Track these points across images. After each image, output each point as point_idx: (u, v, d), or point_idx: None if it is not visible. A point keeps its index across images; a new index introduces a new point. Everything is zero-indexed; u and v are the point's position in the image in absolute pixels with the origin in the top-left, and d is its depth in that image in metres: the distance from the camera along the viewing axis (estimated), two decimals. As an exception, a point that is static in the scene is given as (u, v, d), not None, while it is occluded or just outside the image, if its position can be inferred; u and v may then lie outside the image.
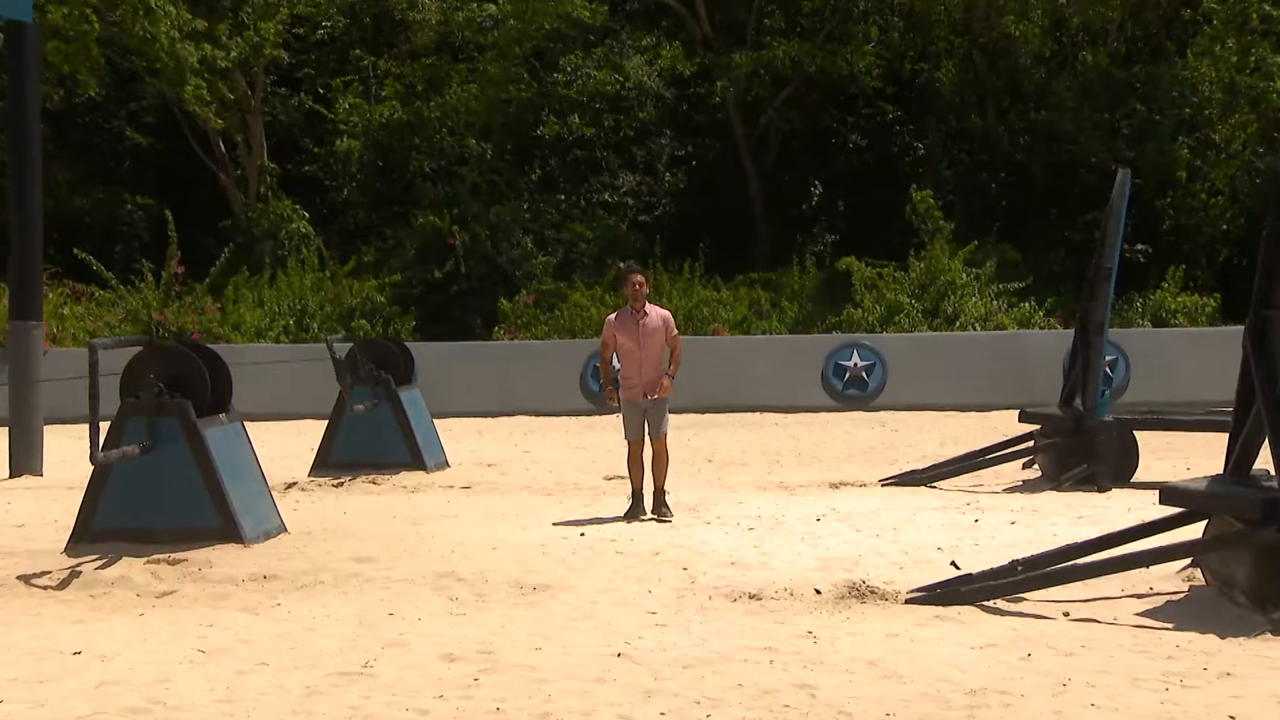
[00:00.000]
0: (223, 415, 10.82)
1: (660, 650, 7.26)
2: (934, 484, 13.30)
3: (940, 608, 8.05)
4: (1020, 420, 13.74)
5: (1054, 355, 21.42)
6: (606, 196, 34.74)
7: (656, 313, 11.47)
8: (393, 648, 7.41)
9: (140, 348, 10.81)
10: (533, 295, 27.36)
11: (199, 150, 32.47)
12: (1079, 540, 8.75)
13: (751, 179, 32.15)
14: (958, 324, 23.54)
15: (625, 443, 11.75)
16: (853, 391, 21.50)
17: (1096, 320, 12.93)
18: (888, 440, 17.66)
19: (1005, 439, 14.08)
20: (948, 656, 7.02)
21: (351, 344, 15.34)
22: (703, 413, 21.36)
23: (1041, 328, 23.82)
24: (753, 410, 21.22)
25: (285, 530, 10.92)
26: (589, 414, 21.70)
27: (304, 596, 8.79)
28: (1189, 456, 14.58)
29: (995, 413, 20.55)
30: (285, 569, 9.52)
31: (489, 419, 21.13)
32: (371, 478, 14.43)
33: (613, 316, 11.55)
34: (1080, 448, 12.73)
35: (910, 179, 30.63)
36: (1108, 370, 21.10)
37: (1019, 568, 8.25)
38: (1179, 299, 24.43)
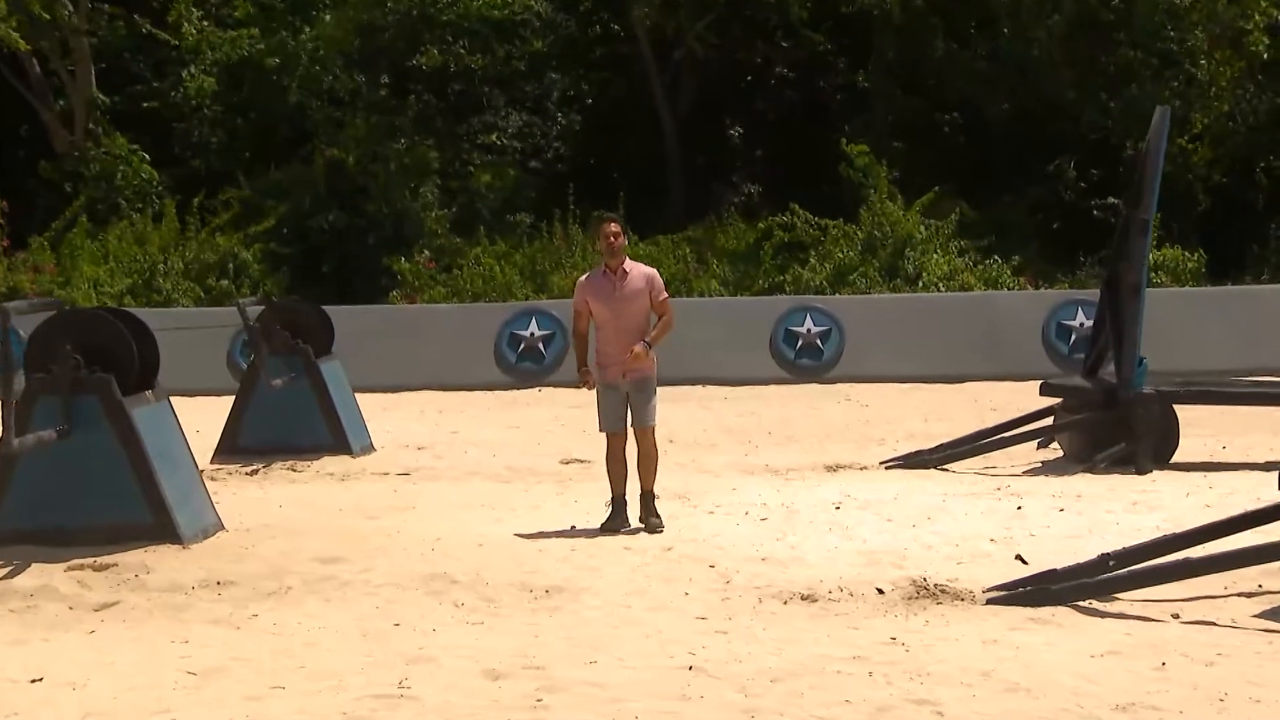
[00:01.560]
0: (149, 392, 10.47)
1: (735, 661, 7.19)
2: (944, 466, 13.35)
3: (1029, 609, 8.06)
4: (1042, 393, 13.87)
5: (1028, 320, 21.82)
6: (494, 138, 34.35)
7: (639, 272, 10.66)
8: (420, 664, 7.24)
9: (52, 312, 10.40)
10: (431, 257, 27.08)
11: (10, 76, 31.35)
12: (1179, 530, 8.85)
13: (665, 120, 32.08)
14: (920, 285, 23.70)
15: (602, 436, 11.02)
16: (806, 361, 21.57)
17: (1132, 280, 13.07)
18: (862, 416, 17.75)
19: (1021, 414, 14.24)
20: (1068, 665, 7.02)
21: (263, 307, 14.95)
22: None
23: (1010, 288, 24.11)
24: (696, 383, 21.20)
25: (223, 528, 10.67)
26: (506, 388, 21.54)
27: (279, 605, 8.59)
28: (1218, 434, 14.82)
29: (969, 384, 20.78)
30: (240, 573, 9.31)
31: (391, 394, 20.83)
32: (290, 464, 14.21)
33: (584, 278, 10.79)
34: (1116, 424, 12.85)
35: (845, 120, 30.80)
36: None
37: (1111, 562, 8.29)
38: (1158, 254, 24.82)
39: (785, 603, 8.45)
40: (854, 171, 25.97)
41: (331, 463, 14.35)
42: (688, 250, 26.72)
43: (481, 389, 21.47)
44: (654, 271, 10.86)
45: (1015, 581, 8.49)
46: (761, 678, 6.90)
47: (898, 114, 29.70)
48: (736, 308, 22.87)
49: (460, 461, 14.50)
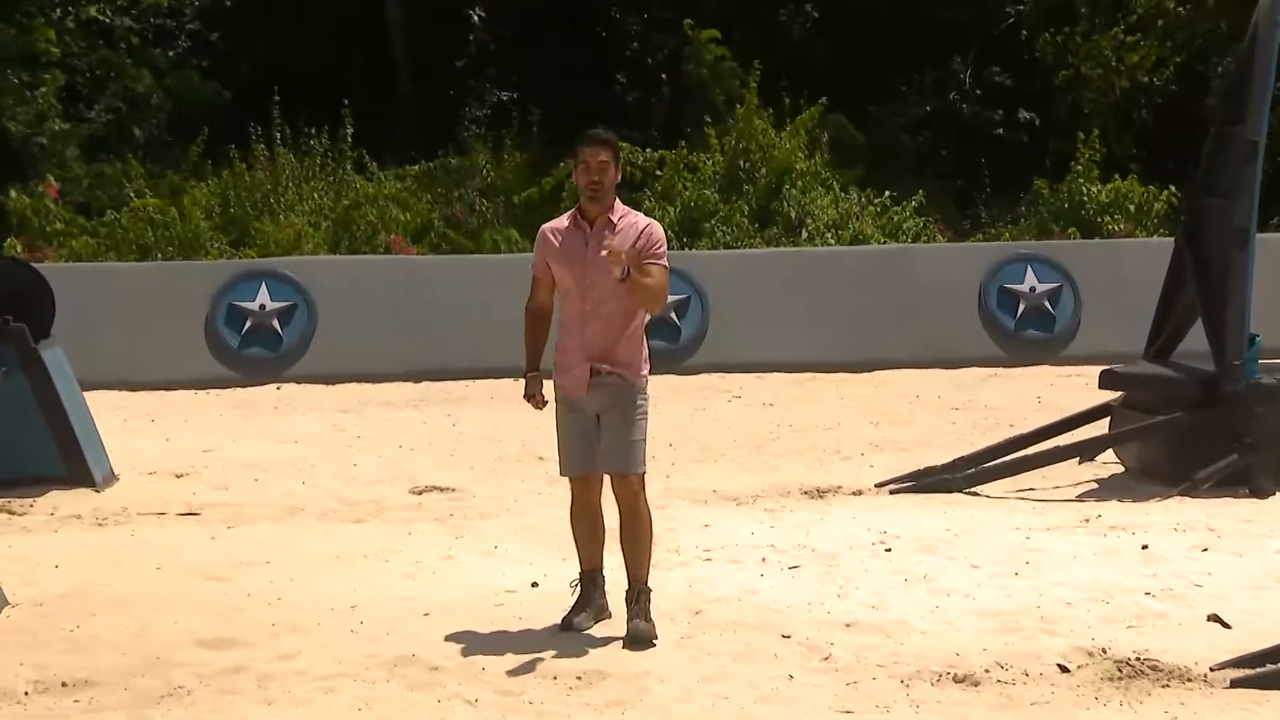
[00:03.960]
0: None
1: (960, 775, 7.16)
2: (972, 490, 13.64)
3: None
4: (1103, 385, 14.08)
5: (959, 283, 22.22)
6: (93, 11, 33.23)
7: (634, 224, 9.63)
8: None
9: None
10: (54, 184, 26.19)
11: None
12: None
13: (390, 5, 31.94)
14: (803, 235, 23.95)
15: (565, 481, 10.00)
16: (658, 342, 21.45)
17: (1237, 225, 13.30)
18: (780, 420, 17.94)
19: (1066, 416, 14.59)
20: None
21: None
22: (416, 380, 21.01)
23: (916, 239, 24.56)
24: (499, 374, 21.03)
25: (6, 601, 10.31)
26: (230, 384, 21.08)
27: (194, 712, 8.32)
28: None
29: (886, 373, 21.19)
30: (94, 669, 8.99)
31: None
32: (3, 502, 13.64)
33: (550, 227, 9.80)
34: (1219, 428, 13.17)
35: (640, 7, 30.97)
36: (1049, 308, 22.03)
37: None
38: (1106, 188, 25.58)
39: (934, 684, 8.55)
40: (703, 71, 26.13)
41: (66, 499, 13.89)
42: (449, 187, 26.50)
43: (191, 386, 20.97)
44: (654, 225, 9.76)
45: (1255, 656, 8.61)
46: (1021, 798, 6.89)
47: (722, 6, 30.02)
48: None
49: (260, 494, 14.21)
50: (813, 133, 25.62)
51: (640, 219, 9.77)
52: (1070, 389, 19.75)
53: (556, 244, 9.64)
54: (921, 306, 21.99)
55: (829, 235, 24.21)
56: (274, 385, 21.02)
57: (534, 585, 10.61)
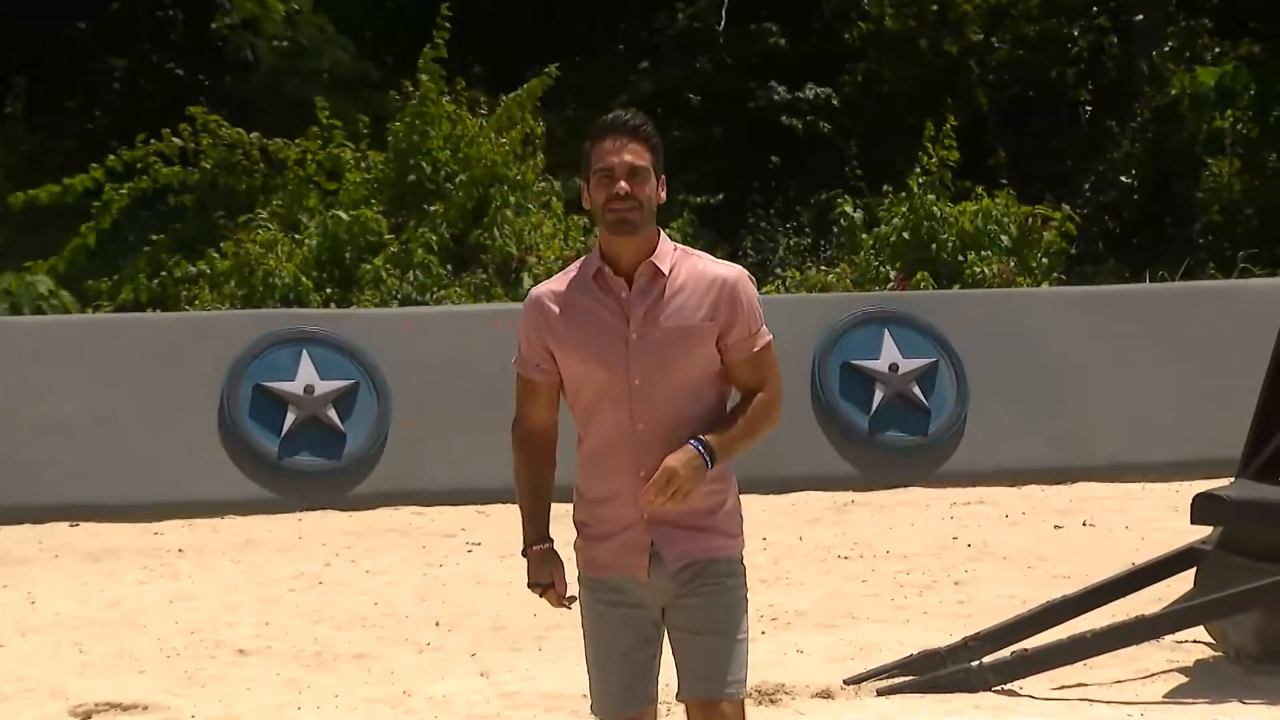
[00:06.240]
0: None
1: None
2: (1005, 684, 13.65)
3: None
4: (1198, 517, 13.97)
5: (781, 360, 22.01)
6: None
7: (702, 275, 8.60)
8: None
9: None
10: None
11: None
12: None
13: None
14: (527, 283, 24.00)
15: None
16: (317, 460, 21.34)
17: None
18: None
19: (1131, 569, 14.65)
20: None
21: None
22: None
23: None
24: (53, 514, 21.16)
25: None
26: None
27: None
28: None
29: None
30: None
31: None
32: None
33: (546, 291, 8.75)
34: None
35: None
36: (919, 396, 21.98)
37: None
38: (967, 209, 25.84)
39: None
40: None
41: None
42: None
43: None
44: (741, 276, 8.70)
45: None
46: None
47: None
48: (146, 349, 22.38)
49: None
50: (528, 121, 25.59)
51: (712, 265, 8.72)
52: (988, 521, 20.13)
53: (567, 320, 8.59)
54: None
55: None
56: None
57: None
